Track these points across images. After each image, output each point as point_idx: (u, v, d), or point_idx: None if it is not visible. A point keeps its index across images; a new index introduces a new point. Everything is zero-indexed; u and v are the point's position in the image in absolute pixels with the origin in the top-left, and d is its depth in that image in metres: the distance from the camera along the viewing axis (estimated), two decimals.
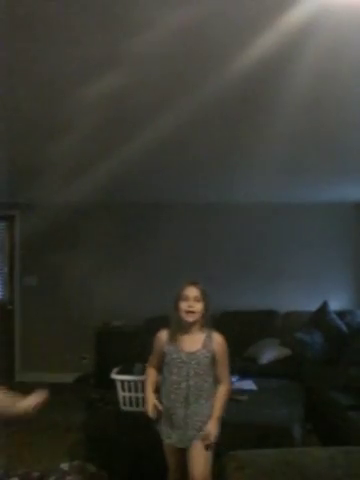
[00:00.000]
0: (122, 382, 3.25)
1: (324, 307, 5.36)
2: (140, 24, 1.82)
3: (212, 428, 2.45)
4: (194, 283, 2.54)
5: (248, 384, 3.82)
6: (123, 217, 6.08)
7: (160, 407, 2.51)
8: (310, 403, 3.84)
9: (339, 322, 5.21)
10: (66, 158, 3.80)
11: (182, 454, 2.49)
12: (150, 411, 2.52)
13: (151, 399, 2.55)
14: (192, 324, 2.48)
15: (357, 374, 3.98)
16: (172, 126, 2.95)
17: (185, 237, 5.99)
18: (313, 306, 5.38)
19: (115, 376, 3.30)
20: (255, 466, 2.00)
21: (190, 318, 2.46)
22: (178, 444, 2.49)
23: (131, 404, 3.26)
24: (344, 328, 5.15)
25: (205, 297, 2.51)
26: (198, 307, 2.47)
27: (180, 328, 2.50)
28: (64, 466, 2.86)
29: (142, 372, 3.33)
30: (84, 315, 5.85)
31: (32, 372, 5.84)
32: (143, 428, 2.77)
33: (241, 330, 5.22)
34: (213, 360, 2.47)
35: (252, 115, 2.90)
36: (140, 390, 3.22)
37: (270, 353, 4.97)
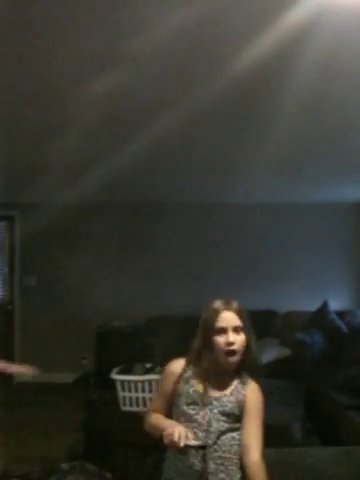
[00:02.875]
0: (122, 382, 3.25)
1: (324, 307, 5.35)
2: (140, 24, 1.82)
3: None
4: (228, 304, 1.75)
5: None
6: (123, 217, 6.08)
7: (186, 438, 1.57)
8: (310, 403, 3.84)
9: (339, 322, 5.21)
10: (66, 158, 3.80)
11: None
12: (177, 434, 1.55)
13: (170, 422, 1.71)
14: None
15: (357, 374, 3.98)
16: (172, 126, 2.95)
17: (185, 237, 5.99)
18: (313, 306, 5.38)
19: (115, 376, 3.30)
20: None
21: (232, 362, 1.70)
22: None
23: (131, 404, 3.26)
24: (344, 328, 5.15)
25: (246, 323, 1.74)
26: (240, 341, 1.70)
27: (208, 368, 1.74)
28: (64, 466, 2.85)
29: (142, 372, 3.33)
30: (84, 315, 5.84)
31: None
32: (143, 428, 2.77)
33: None
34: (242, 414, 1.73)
35: (252, 115, 2.90)
36: (140, 390, 3.22)
37: (270, 353, 4.97)
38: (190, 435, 1.62)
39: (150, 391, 3.17)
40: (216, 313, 1.72)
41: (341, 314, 5.37)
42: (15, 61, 2.13)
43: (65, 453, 3.35)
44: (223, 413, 1.71)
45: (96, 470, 2.88)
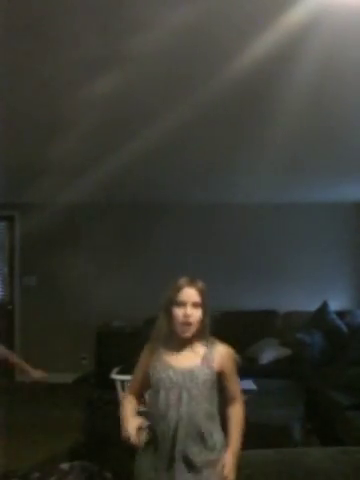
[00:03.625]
0: (122, 382, 3.25)
1: (324, 307, 5.36)
2: (140, 24, 1.82)
3: (229, 466, 1.80)
4: (192, 282, 1.91)
5: (248, 384, 3.81)
6: (123, 217, 6.08)
7: (145, 429, 1.86)
8: (310, 403, 3.84)
9: (339, 322, 5.22)
10: (66, 158, 3.80)
11: None
12: (132, 434, 1.81)
13: (131, 420, 1.88)
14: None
15: (357, 374, 3.98)
16: (172, 126, 2.95)
17: (185, 237, 5.99)
18: (313, 306, 5.38)
19: (115, 376, 3.30)
20: (254, 466, 2.00)
21: (187, 332, 1.87)
22: None
23: None
24: (344, 328, 5.15)
25: (205, 300, 1.91)
26: (196, 315, 1.87)
27: (171, 340, 1.93)
28: (64, 466, 2.85)
29: None
30: (84, 315, 5.85)
31: None
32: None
33: (241, 330, 5.21)
34: (216, 381, 1.88)
35: (252, 115, 2.90)
36: None
37: (270, 353, 4.97)
38: (142, 427, 1.84)
39: None
40: (179, 288, 1.89)
41: (341, 314, 5.37)
42: (15, 61, 2.13)
43: (65, 453, 3.34)
44: (196, 385, 1.83)
45: (96, 470, 2.88)
